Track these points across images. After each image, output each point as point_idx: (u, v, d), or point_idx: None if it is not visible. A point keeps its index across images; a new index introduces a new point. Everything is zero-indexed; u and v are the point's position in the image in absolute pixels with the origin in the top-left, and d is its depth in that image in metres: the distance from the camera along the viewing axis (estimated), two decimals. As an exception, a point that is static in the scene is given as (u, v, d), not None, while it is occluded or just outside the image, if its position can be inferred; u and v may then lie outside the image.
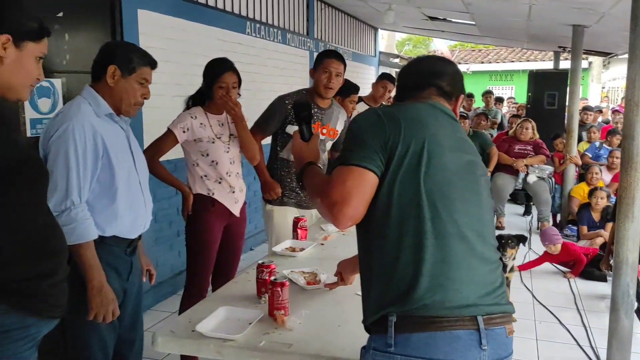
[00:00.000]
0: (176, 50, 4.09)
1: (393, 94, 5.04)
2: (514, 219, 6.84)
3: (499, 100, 9.88)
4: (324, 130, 3.08)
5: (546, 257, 4.82)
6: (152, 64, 2.04)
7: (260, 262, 1.98)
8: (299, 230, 2.67)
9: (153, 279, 2.32)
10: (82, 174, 1.86)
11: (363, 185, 1.28)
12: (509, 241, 3.70)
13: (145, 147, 2.71)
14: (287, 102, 2.98)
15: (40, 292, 1.42)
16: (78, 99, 1.97)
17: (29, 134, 2.88)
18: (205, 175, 2.74)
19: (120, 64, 1.95)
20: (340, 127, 3.16)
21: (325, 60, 2.96)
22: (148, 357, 2.80)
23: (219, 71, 2.71)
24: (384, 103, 4.95)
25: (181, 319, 1.76)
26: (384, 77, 4.85)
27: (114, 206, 1.96)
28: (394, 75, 5.38)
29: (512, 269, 3.85)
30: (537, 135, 6.60)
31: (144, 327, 2.31)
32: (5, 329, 1.35)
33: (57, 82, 3.06)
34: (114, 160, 1.95)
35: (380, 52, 10.53)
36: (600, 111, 9.51)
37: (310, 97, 3.03)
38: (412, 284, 1.25)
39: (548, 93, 7.91)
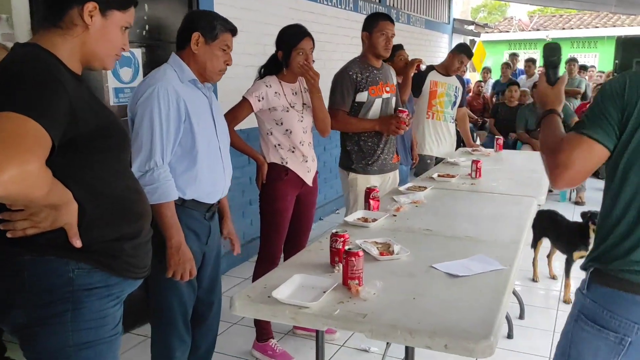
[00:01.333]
0: (250, 20, 4.11)
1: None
2: (595, 195, 6.49)
3: (583, 68, 9.28)
4: (387, 88, 3.22)
5: None
6: (233, 30, 2.09)
7: (334, 231, 1.97)
8: (371, 201, 2.64)
9: (236, 247, 2.37)
10: (165, 136, 1.92)
11: (589, 158, 1.36)
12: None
13: (221, 116, 2.75)
14: (350, 73, 3.12)
15: (123, 254, 1.48)
16: (164, 66, 2.04)
17: (112, 103, 3.00)
18: (279, 144, 2.76)
19: (203, 31, 2.01)
20: (394, 81, 3.34)
21: (381, 23, 3.12)
22: (224, 320, 2.91)
23: (297, 38, 2.71)
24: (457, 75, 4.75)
25: (257, 284, 1.79)
26: (462, 52, 4.56)
27: (194, 170, 2.02)
28: (469, 45, 5.18)
29: None
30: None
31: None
32: (89, 287, 1.42)
33: (138, 52, 3.15)
34: (195, 124, 2.00)
35: (454, 19, 10.16)
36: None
37: (364, 61, 3.18)
38: (619, 242, 1.36)
39: (637, 60, 7.41)
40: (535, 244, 4.03)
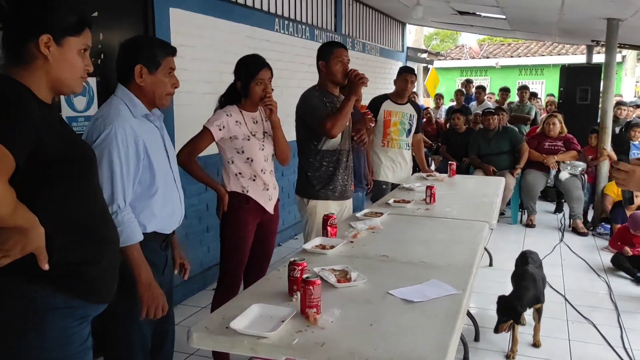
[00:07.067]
0: (206, 48, 4.13)
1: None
2: (545, 217, 6.73)
3: (534, 95, 9.68)
4: None
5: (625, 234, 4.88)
6: (174, 52, 2.07)
7: (292, 259, 1.99)
8: (328, 228, 2.67)
9: (187, 273, 2.36)
10: (125, 177, 1.91)
11: None
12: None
13: (178, 145, 2.75)
14: (317, 94, 3.12)
15: (86, 277, 1.52)
16: (115, 100, 2.00)
17: (65, 132, 2.95)
18: (240, 173, 2.78)
19: (145, 61, 1.97)
20: None
21: (336, 50, 3.10)
22: (178, 350, 2.85)
23: (255, 68, 2.74)
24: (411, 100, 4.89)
25: (215, 315, 1.79)
26: (403, 71, 4.68)
27: (154, 205, 2.02)
28: (423, 72, 5.31)
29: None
30: (566, 130, 6.47)
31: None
32: (52, 307, 1.46)
33: (92, 81, 3.12)
34: (154, 160, 2.00)
35: (408, 48, 10.45)
36: (638, 106, 9.15)
37: (323, 89, 3.15)
38: None
39: (580, 88, 7.79)
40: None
